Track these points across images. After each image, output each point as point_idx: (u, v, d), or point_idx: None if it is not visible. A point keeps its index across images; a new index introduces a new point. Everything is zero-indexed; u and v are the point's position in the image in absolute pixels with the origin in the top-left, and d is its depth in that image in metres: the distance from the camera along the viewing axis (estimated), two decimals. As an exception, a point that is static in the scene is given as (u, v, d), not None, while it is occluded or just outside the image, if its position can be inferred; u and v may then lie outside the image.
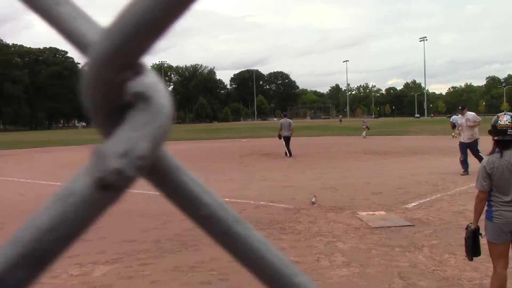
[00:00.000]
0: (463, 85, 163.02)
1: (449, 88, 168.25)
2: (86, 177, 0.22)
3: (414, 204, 8.14)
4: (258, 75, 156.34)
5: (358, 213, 7.42)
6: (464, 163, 11.62)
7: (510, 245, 3.68)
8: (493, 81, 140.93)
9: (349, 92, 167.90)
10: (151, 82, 0.24)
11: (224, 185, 10.52)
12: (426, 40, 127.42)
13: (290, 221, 7.00)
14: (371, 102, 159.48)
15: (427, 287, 4.34)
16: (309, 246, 5.71)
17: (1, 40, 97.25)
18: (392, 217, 7.11)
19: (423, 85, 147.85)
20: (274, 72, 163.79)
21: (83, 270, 4.98)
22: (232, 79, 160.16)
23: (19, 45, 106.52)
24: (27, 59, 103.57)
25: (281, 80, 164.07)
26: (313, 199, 8.40)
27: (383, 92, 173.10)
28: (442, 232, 6.21)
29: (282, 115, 21.26)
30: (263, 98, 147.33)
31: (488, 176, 3.68)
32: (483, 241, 3.78)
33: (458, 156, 12.10)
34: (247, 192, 9.68)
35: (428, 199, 8.56)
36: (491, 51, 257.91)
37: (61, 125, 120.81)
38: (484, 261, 4.38)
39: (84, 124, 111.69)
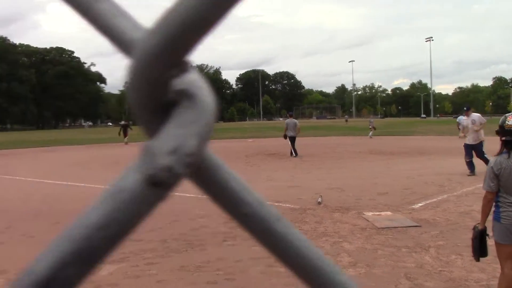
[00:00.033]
0: (469, 85, 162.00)
1: (456, 89, 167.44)
2: (136, 174, 0.22)
3: (420, 204, 8.11)
4: (264, 75, 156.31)
5: (364, 213, 7.41)
6: (470, 164, 11.57)
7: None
8: (499, 82, 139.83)
9: (355, 92, 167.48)
10: (194, 79, 0.24)
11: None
12: (432, 40, 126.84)
13: (296, 221, 6.99)
14: (377, 102, 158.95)
15: (435, 288, 4.33)
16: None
17: (8, 40, 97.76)
18: (399, 218, 7.09)
19: (429, 85, 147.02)
20: (280, 72, 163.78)
21: (90, 269, 4.99)
22: (238, 79, 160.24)
23: (26, 44, 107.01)
24: (33, 58, 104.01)
25: (287, 80, 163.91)
26: (319, 199, 8.39)
27: (389, 92, 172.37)
28: (449, 233, 6.19)
29: (288, 115, 21.23)
30: (269, 98, 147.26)
31: (495, 176, 3.67)
32: (490, 242, 3.76)
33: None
34: (253, 192, 9.67)
35: (435, 199, 8.53)
36: (498, 52, 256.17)
37: (67, 125, 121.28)
38: (492, 262, 4.36)
39: (90, 123, 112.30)
